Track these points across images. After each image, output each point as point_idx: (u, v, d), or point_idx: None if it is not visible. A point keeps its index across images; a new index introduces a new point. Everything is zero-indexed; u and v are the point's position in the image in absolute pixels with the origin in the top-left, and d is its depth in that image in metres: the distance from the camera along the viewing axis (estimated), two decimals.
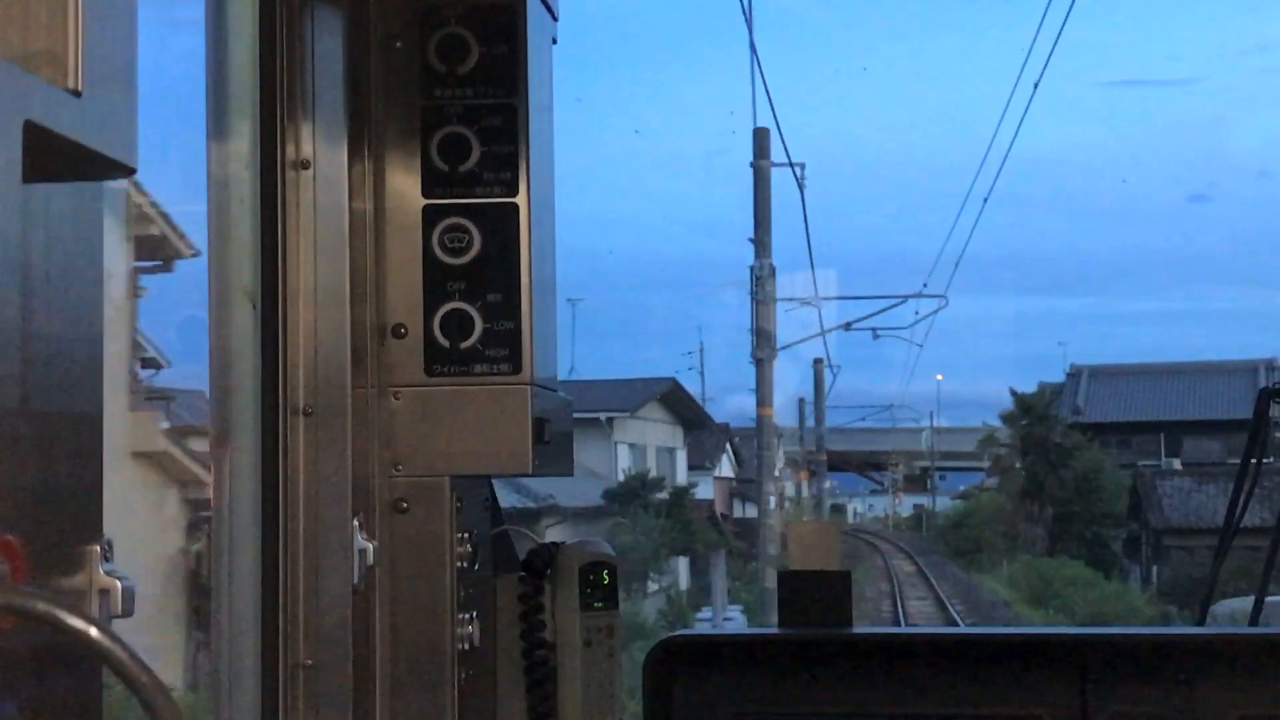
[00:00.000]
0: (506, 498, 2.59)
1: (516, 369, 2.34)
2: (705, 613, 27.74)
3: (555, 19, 2.55)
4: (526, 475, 2.41)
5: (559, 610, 2.48)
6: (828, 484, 53.66)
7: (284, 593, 2.24)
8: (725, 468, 47.71)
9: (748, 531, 37.88)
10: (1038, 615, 32.09)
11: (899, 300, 32.91)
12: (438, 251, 2.35)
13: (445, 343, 2.35)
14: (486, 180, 2.36)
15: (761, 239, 25.85)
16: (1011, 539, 46.09)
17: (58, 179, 1.37)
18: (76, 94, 1.32)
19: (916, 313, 37.42)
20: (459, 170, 2.36)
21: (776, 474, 31.41)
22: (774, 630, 2.74)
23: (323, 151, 2.29)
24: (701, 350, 46.79)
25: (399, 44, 2.38)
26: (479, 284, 2.35)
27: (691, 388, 46.06)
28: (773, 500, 27.85)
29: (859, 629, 2.75)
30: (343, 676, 2.26)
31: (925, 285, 35.76)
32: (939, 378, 73.93)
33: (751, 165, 25.97)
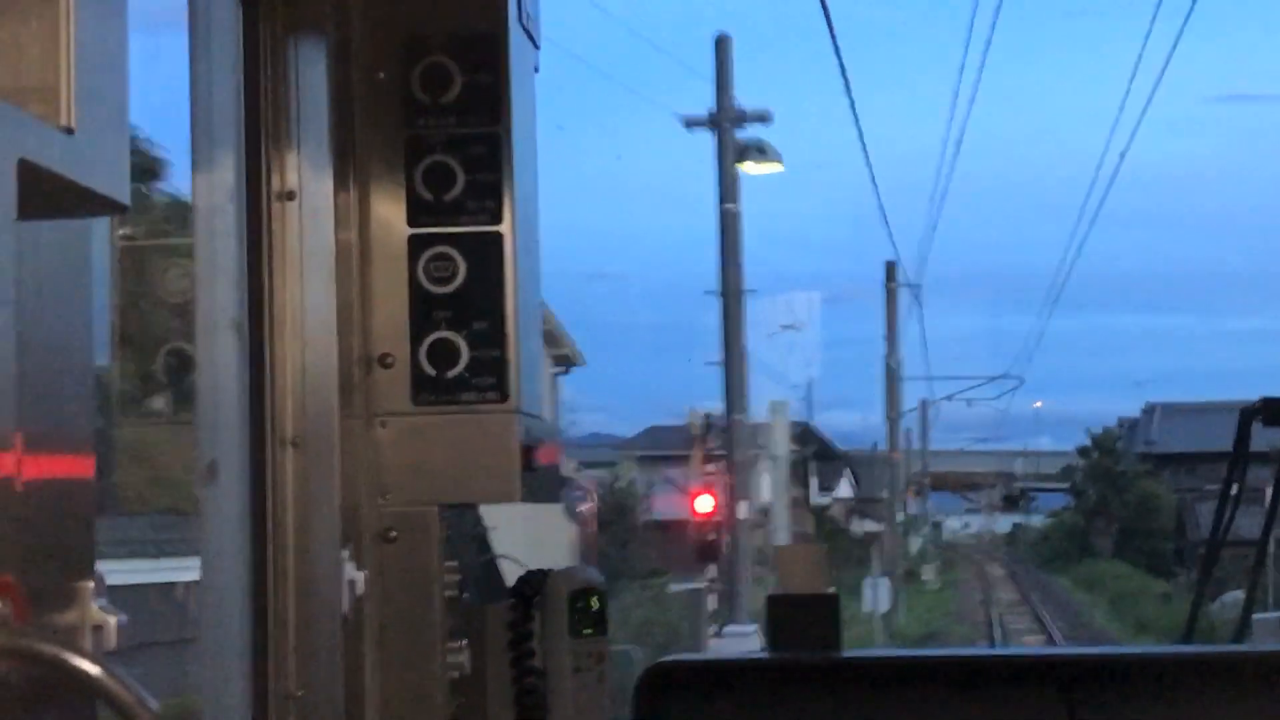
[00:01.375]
0: None
1: (503, 397, 2.34)
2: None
3: (537, 47, 2.56)
4: (513, 503, 2.42)
5: (548, 637, 2.48)
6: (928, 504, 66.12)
7: (274, 623, 2.24)
8: (844, 489, 56.39)
9: (867, 540, 48.65)
10: (1086, 597, 44.81)
11: (985, 380, 50.37)
12: (423, 281, 2.35)
13: (432, 371, 2.35)
14: (471, 209, 2.36)
15: (891, 343, 41.48)
16: (1083, 549, 57.64)
17: (50, 216, 1.37)
18: (69, 131, 1.32)
19: (1000, 388, 51.48)
20: (443, 199, 2.36)
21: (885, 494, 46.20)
22: (764, 654, 2.74)
23: (308, 182, 2.30)
24: (810, 386, 52.13)
25: (382, 74, 2.38)
26: (465, 312, 2.35)
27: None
28: (901, 516, 44.74)
29: (848, 653, 2.76)
30: (334, 707, 2.26)
31: (1008, 371, 51.33)
32: (1037, 404, 77.09)
33: (885, 287, 41.20)
